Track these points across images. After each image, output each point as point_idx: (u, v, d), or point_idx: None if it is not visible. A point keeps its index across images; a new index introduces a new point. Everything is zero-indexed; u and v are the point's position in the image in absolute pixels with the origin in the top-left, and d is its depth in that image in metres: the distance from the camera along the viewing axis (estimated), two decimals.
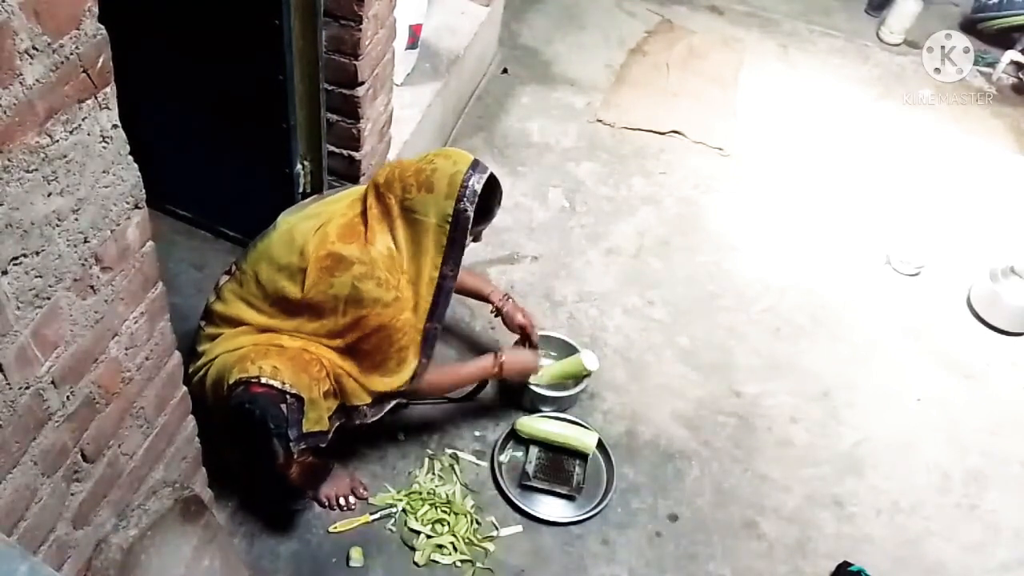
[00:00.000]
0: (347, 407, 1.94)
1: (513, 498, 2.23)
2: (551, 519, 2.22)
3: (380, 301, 1.82)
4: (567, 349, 2.53)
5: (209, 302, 1.99)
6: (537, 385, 2.40)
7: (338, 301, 1.83)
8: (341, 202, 1.95)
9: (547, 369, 2.47)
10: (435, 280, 1.90)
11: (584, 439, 2.31)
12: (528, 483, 2.27)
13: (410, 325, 1.90)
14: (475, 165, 1.86)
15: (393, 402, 2.03)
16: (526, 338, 2.38)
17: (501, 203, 1.97)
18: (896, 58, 4.17)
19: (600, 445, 2.35)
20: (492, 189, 1.90)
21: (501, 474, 2.28)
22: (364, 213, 1.89)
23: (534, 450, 2.32)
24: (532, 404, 2.43)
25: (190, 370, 1.87)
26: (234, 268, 1.99)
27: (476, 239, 2.00)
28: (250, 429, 1.78)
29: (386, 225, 1.87)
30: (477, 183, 1.83)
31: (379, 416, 2.02)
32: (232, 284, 1.95)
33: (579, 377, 2.43)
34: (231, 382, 1.79)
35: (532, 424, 2.33)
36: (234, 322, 1.92)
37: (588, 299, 2.81)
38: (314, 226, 1.87)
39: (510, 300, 2.37)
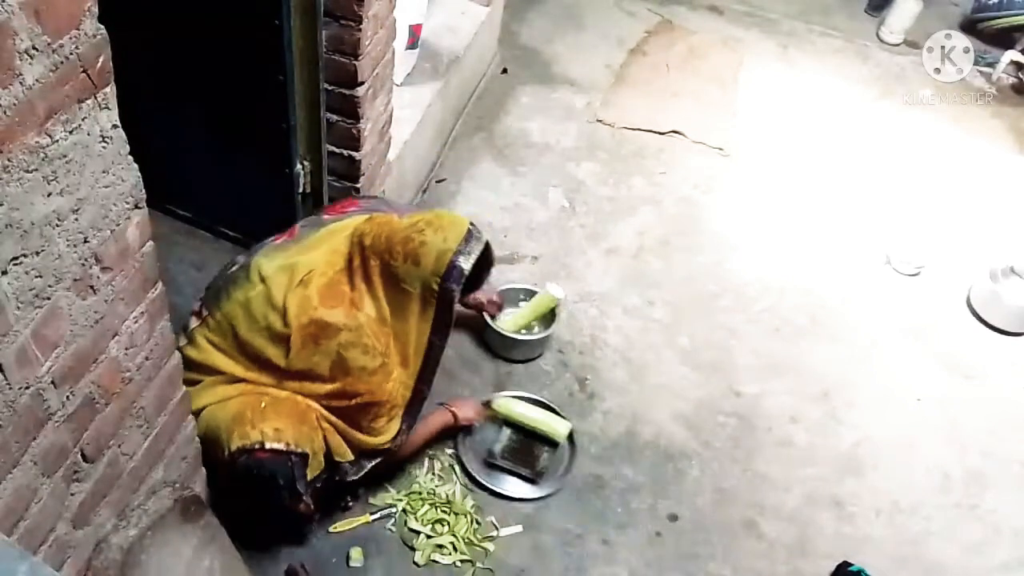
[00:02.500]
0: (331, 460, 1.90)
1: (471, 470, 2.26)
2: (508, 494, 2.24)
3: (367, 369, 1.80)
4: (530, 296, 2.64)
5: (180, 346, 1.83)
6: (509, 331, 2.49)
7: (323, 368, 1.80)
8: (317, 252, 1.88)
9: (519, 314, 2.56)
10: (423, 347, 1.87)
11: (556, 426, 2.31)
12: (492, 461, 2.28)
13: (397, 388, 1.87)
14: (468, 239, 1.80)
15: (373, 463, 1.97)
16: (481, 311, 2.44)
17: (491, 269, 1.95)
18: (896, 58, 4.16)
19: (569, 436, 2.36)
20: (483, 260, 1.86)
21: (463, 441, 2.30)
22: (348, 271, 1.85)
23: (506, 431, 2.33)
24: (508, 352, 2.53)
25: None
26: (204, 311, 1.92)
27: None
28: (258, 489, 1.77)
29: (371, 285, 1.83)
30: (466, 262, 1.78)
31: (360, 475, 1.97)
32: (204, 330, 1.89)
33: (551, 313, 2.54)
34: (233, 449, 1.75)
35: (508, 405, 2.33)
36: (210, 370, 1.87)
37: (588, 299, 2.81)
38: (290, 281, 1.81)
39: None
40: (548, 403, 2.40)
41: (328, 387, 1.82)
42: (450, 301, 1.81)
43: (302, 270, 1.83)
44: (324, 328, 1.77)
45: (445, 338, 1.88)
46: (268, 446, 1.74)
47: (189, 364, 1.87)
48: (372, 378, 1.81)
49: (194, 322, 1.93)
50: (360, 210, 2.05)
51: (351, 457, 1.92)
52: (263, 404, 1.80)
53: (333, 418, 1.87)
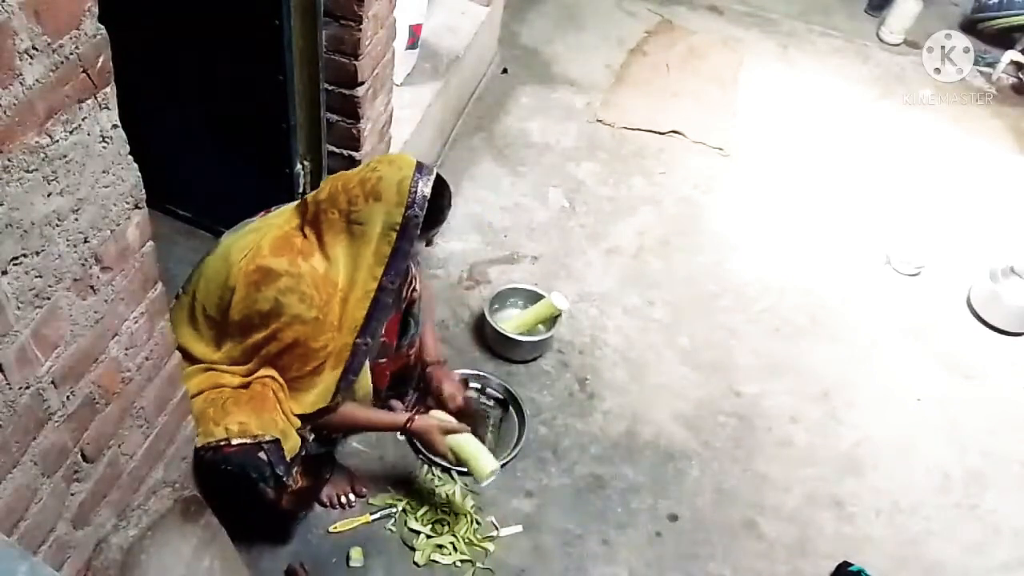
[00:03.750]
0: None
1: (426, 453, 2.22)
2: (464, 469, 2.18)
3: (299, 317, 1.75)
4: (533, 297, 2.65)
5: None
6: (511, 332, 2.50)
7: (260, 316, 1.77)
8: (281, 216, 1.89)
9: (521, 316, 2.59)
10: (371, 293, 1.81)
11: (479, 467, 2.04)
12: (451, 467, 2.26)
13: (329, 347, 1.82)
14: (420, 168, 1.79)
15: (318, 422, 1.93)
16: (442, 406, 2.18)
17: (451, 205, 1.89)
18: (896, 58, 4.17)
19: (517, 406, 2.39)
20: (441, 192, 1.83)
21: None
22: (302, 227, 1.83)
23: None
24: (508, 352, 2.53)
25: None
26: (180, 292, 1.93)
27: (428, 244, 1.95)
28: (232, 485, 1.76)
29: (325, 243, 1.79)
30: (425, 187, 1.77)
31: (319, 448, 1.97)
32: (177, 308, 1.89)
33: (552, 319, 2.54)
34: (198, 446, 1.74)
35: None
36: (181, 352, 1.82)
37: (588, 299, 2.81)
38: (252, 242, 1.81)
39: (442, 365, 2.26)
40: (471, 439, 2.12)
41: (262, 334, 1.78)
42: (414, 228, 1.77)
43: (263, 232, 1.83)
44: (267, 274, 1.75)
45: (396, 281, 1.83)
46: (235, 442, 1.73)
47: None
48: (303, 327, 1.76)
49: (172, 303, 1.92)
50: None
51: (298, 424, 1.86)
52: (223, 400, 1.79)
53: (281, 393, 1.82)
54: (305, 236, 1.81)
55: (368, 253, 1.78)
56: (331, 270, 1.79)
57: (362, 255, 1.79)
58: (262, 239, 1.81)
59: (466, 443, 2.05)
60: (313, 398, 1.85)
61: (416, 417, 2.02)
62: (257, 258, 1.77)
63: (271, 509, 1.88)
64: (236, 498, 1.82)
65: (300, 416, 1.86)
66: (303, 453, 1.87)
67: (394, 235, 1.77)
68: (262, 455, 1.74)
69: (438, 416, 2.08)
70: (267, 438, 1.75)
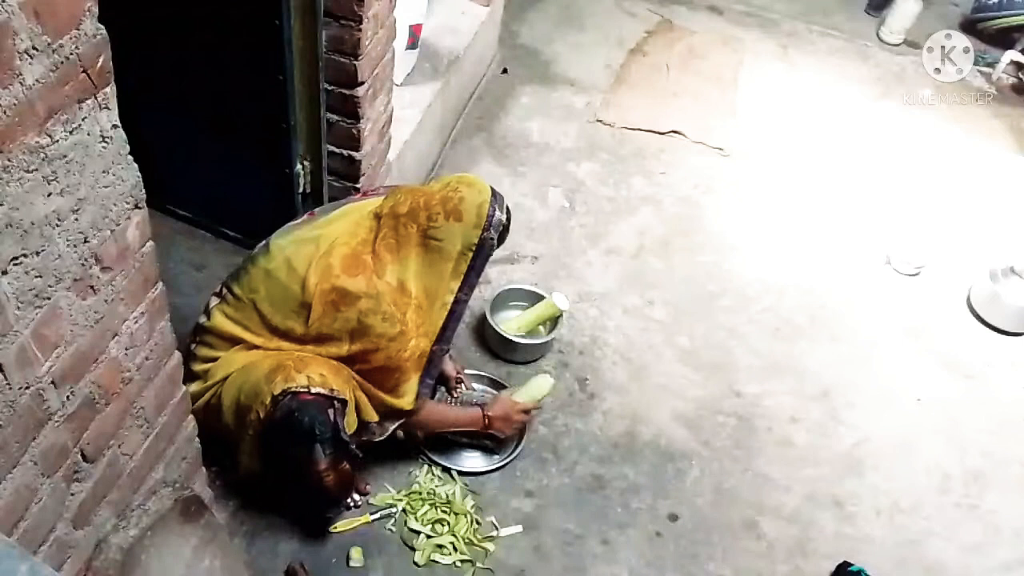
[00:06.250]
0: (359, 421, 1.95)
1: (427, 453, 2.28)
2: (465, 469, 2.27)
3: (385, 336, 1.85)
4: (534, 298, 2.64)
5: (201, 323, 1.99)
6: (514, 334, 2.50)
7: (343, 333, 1.86)
8: (338, 224, 1.94)
9: (522, 317, 2.58)
10: (448, 304, 1.93)
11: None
12: (458, 440, 2.31)
13: (414, 353, 1.92)
14: (494, 192, 1.92)
15: (396, 424, 2.03)
16: (444, 384, 2.36)
17: (510, 229, 2.00)
18: (896, 58, 4.17)
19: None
20: (508, 217, 1.96)
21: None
22: (373, 242, 1.90)
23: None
24: (509, 354, 2.53)
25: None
26: (224, 291, 1.97)
27: None
28: (293, 440, 1.78)
29: (399, 255, 1.88)
30: (501, 212, 1.90)
31: (384, 436, 2.03)
32: (224, 306, 1.94)
33: (553, 320, 2.56)
34: (276, 392, 1.77)
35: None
36: (231, 339, 1.92)
37: (588, 299, 2.81)
38: (312, 253, 1.87)
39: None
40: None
41: (347, 349, 1.88)
42: (489, 250, 1.91)
43: (325, 242, 1.89)
44: (345, 296, 1.83)
45: (469, 294, 1.97)
46: (314, 390, 1.77)
47: (207, 339, 1.96)
48: (391, 344, 1.87)
49: (214, 301, 1.98)
50: (378, 194, 2.09)
51: (376, 418, 1.97)
52: (303, 356, 1.86)
53: (359, 377, 1.92)
54: (376, 254, 1.88)
55: (446, 269, 1.90)
56: (404, 278, 1.89)
57: (440, 270, 1.90)
58: (330, 254, 1.87)
59: (534, 389, 2.28)
60: (403, 402, 1.96)
61: (488, 412, 2.18)
62: (331, 278, 1.84)
63: (316, 482, 1.88)
64: (293, 458, 1.84)
65: (391, 411, 1.97)
66: (352, 446, 1.90)
67: (471, 254, 1.90)
68: (331, 412, 1.79)
69: (503, 395, 2.26)
70: (340, 396, 1.81)
